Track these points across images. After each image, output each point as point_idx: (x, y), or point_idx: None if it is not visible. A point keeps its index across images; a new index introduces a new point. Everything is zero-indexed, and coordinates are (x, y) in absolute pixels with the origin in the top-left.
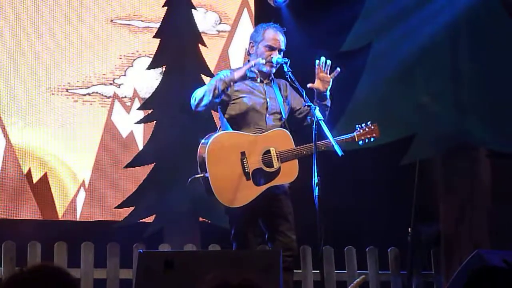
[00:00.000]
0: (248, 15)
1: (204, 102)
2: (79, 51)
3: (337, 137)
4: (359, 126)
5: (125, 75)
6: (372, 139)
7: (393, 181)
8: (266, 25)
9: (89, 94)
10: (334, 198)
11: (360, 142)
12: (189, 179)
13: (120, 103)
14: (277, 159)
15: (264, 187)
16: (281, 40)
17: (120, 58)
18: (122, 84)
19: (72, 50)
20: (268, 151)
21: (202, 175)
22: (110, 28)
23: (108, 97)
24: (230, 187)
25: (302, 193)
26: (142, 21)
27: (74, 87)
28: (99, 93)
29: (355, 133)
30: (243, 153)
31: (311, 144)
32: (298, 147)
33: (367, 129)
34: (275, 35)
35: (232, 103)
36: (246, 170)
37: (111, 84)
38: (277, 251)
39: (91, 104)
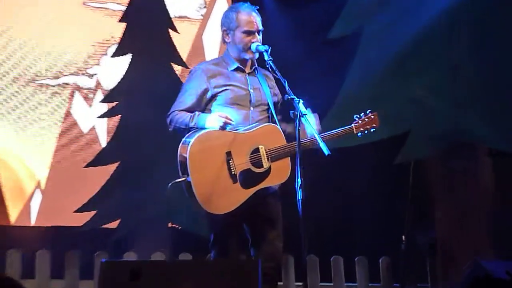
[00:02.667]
0: None
1: (176, 131)
2: (47, 37)
3: (333, 130)
4: (357, 116)
5: (99, 65)
6: (372, 130)
7: (385, 183)
8: (236, 7)
9: (58, 85)
10: (320, 202)
11: (359, 134)
12: (169, 184)
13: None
14: (267, 158)
15: (253, 190)
16: (258, 21)
17: (94, 46)
18: (95, 74)
19: (40, 36)
20: (257, 150)
21: (183, 179)
22: (82, 12)
23: (81, 89)
24: (216, 192)
25: (285, 196)
26: (117, 3)
27: (43, 77)
28: (71, 84)
29: (353, 125)
30: (228, 153)
31: (304, 140)
32: (290, 143)
33: (366, 119)
34: (249, 17)
35: (213, 100)
36: (233, 172)
37: (83, 74)
38: (255, 260)
39: (61, 96)
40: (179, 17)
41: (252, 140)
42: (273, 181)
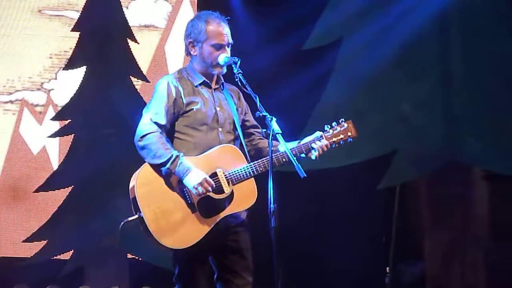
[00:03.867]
0: (189, 3)
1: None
2: None
3: (301, 143)
4: (328, 126)
5: (56, 79)
6: (349, 140)
7: (368, 209)
8: (204, 17)
9: (11, 101)
10: (295, 230)
11: (332, 146)
12: (121, 224)
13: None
14: (227, 182)
15: (216, 219)
16: (228, 33)
17: (51, 58)
18: (52, 89)
19: None
20: (215, 174)
21: (136, 217)
22: (38, 20)
23: (35, 105)
24: (173, 225)
25: (255, 224)
26: (76, 11)
27: None
28: (24, 100)
29: (323, 135)
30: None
31: (266, 158)
32: (251, 163)
33: (338, 128)
34: (219, 29)
35: (180, 117)
36: (190, 201)
37: (39, 89)
38: None
39: (13, 114)
40: (145, 26)
41: (208, 164)
42: (239, 206)
